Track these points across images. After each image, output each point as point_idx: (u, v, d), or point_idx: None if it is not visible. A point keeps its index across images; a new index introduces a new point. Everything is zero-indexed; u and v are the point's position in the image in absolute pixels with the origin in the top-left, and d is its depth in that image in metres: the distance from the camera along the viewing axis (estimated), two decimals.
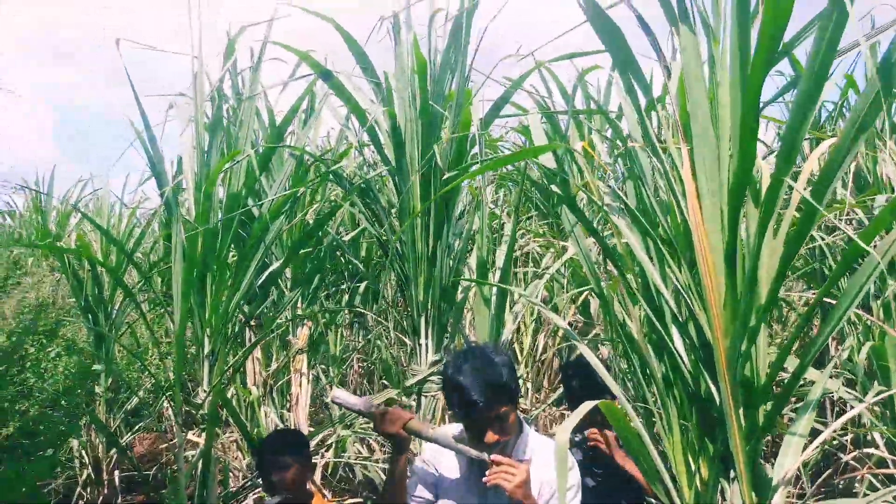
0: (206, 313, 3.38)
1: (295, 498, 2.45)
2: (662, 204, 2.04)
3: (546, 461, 2.07)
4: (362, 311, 6.59)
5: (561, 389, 4.40)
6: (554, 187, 2.45)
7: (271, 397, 5.41)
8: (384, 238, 3.50)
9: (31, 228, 10.09)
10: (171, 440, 7.39)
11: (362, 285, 6.00)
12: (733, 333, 1.83)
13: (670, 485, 2.02)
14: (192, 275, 3.14)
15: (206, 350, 3.42)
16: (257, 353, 5.56)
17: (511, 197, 5.96)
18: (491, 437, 2.00)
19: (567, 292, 4.07)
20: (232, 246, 3.51)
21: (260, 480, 2.59)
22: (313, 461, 2.85)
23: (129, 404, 6.15)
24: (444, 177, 3.09)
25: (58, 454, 5.50)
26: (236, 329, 3.74)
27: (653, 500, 2.94)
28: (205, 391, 3.39)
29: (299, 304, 5.25)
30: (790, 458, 2.01)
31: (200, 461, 3.28)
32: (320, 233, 4.36)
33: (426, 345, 3.41)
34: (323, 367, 5.73)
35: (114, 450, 5.88)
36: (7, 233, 11.07)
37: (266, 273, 3.74)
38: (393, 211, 3.48)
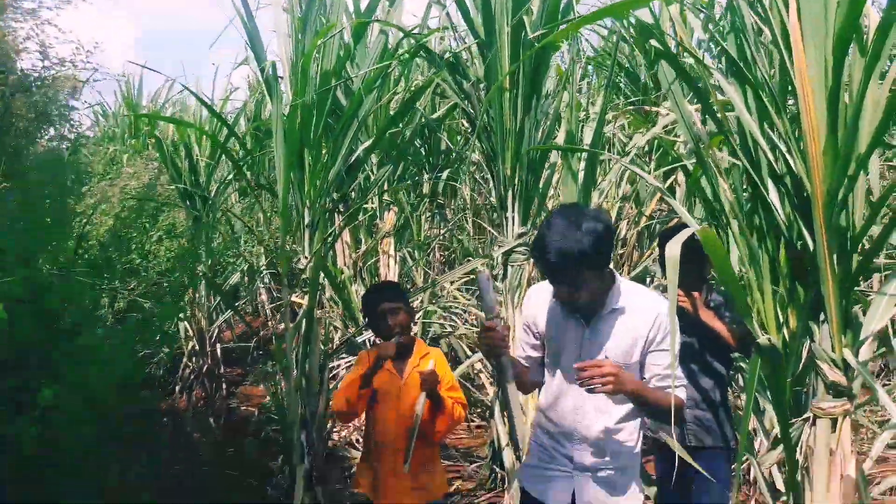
0: (306, 187, 3.57)
1: (406, 339, 2.68)
2: (763, 53, 2.04)
3: (636, 308, 2.11)
4: (442, 202, 6.77)
5: (637, 270, 4.53)
6: (653, 42, 2.46)
7: (360, 277, 5.70)
8: (472, 113, 3.57)
9: (125, 126, 10.49)
10: (266, 321, 7.91)
11: (444, 175, 6.13)
12: (831, 180, 1.86)
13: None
14: (294, 147, 3.31)
15: (307, 220, 3.63)
16: (346, 237, 5.83)
17: (596, 85, 5.89)
18: (561, 294, 2.11)
19: (654, 171, 4.08)
20: (329, 119, 3.66)
21: (369, 329, 2.80)
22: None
23: (227, 285, 6.59)
24: (534, 35, 3.11)
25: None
26: (331, 204, 3.93)
27: (736, 355, 3.08)
28: (306, 257, 3.62)
29: (386, 189, 5.44)
30: (879, 315, 2.07)
31: (304, 320, 3.55)
32: (407, 116, 4.46)
33: (512, 218, 3.52)
34: (409, 250, 5.96)
35: (216, 325, 6.36)
36: (102, 131, 11.60)
37: (359, 150, 3.88)
38: (482, 86, 3.53)
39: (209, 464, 4.72)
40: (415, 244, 6.05)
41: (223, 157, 6.09)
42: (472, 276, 5.81)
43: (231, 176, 6.43)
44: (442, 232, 6.50)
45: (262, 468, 4.35)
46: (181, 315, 6.19)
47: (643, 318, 2.08)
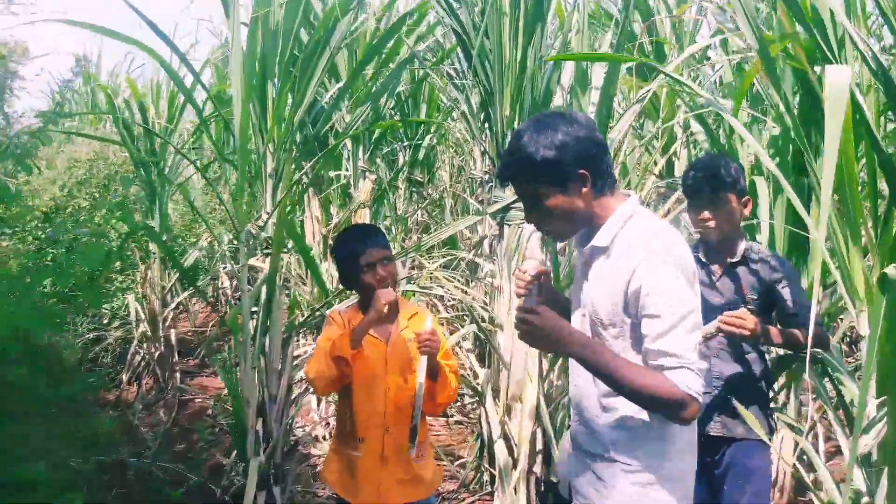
0: (268, 125, 3.01)
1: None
2: None
3: (624, 244, 1.55)
4: (420, 180, 6.24)
5: None
6: None
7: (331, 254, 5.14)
8: (468, 41, 3.04)
9: (83, 102, 9.87)
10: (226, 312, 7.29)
11: (425, 141, 5.60)
12: None
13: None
14: (253, 71, 2.75)
15: (269, 168, 3.07)
16: (316, 210, 5.27)
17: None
18: (526, 217, 1.68)
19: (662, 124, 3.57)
20: (294, 51, 3.10)
21: (345, 285, 2.23)
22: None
23: (185, 260, 5.96)
24: None
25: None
26: (300, 149, 3.38)
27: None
28: (267, 212, 3.06)
29: (361, 156, 4.89)
30: None
31: (264, 287, 2.99)
32: (389, 47, 3.88)
33: None
34: (386, 225, 5.42)
35: (170, 308, 5.74)
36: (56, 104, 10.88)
37: (333, 91, 3.33)
38: (477, 10, 3.01)
39: (154, 459, 4.13)
40: (393, 219, 5.51)
41: (182, 117, 5.50)
42: (453, 256, 5.31)
43: (192, 140, 5.83)
44: (422, 207, 5.95)
45: (212, 463, 3.78)
46: (133, 294, 5.59)
47: (627, 258, 1.51)
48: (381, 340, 2.14)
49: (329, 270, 4.93)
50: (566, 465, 1.76)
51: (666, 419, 1.50)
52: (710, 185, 2.33)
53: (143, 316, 5.56)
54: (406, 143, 5.12)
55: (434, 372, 2.07)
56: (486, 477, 3.47)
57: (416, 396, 2.02)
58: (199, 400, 5.45)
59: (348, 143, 4.71)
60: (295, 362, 3.39)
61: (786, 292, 2.29)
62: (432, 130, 5.88)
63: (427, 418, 2.15)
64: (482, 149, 5.62)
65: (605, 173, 1.58)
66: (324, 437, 4.41)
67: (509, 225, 3.00)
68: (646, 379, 1.45)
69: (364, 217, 4.88)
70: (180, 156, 5.78)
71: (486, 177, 5.57)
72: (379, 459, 2.08)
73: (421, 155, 5.26)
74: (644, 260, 1.47)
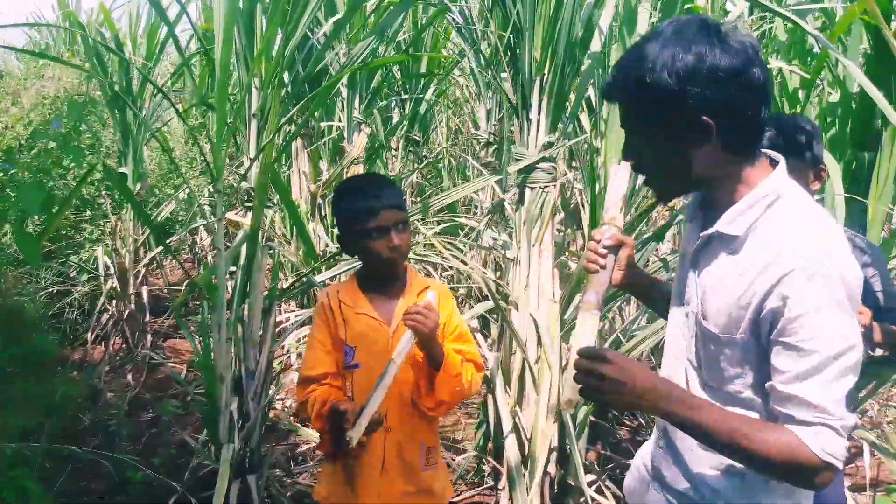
0: (255, 53, 2.57)
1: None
2: None
3: (764, 240, 1.13)
4: (417, 138, 5.79)
5: None
6: None
7: (320, 214, 4.72)
8: None
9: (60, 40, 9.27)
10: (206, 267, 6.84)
11: (423, 104, 5.13)
12: None
13: None
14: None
15: (254, 106, 2.63)
16: (304, 165, 4.83)
17: None
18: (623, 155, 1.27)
19: None
20: None
21: (350, 247, 1.79)
22: None
23: (160, 214, 5.49)
24: None
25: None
26: (288, 91, 2.94)
27: None
28: (250, 158, 2.63)
29: (356, 106, 4.44)
30: None
31: (244, 246, 2.58)
32: None
33: (538, 121, 2.58)
34: None
35: (142, 263, 5.29)
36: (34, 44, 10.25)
37: (327, 26, 2.88)
38: None
39: (117, 434, 3.73)
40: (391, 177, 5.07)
41: (162, 56, 5.00)
42: (452, 222, 4.91)
43: (172, 82, 5.33)
44: (419, 168, 5.51)
45: (180, 438, 3.39)
46: (104, 246, 5.13)
47: (768, 262, 1.10)
48: (384, 325, 1.74)
49: (317, 231, 4.52)
50: (636, 493, 1.38)
51: None
52: (785, 147, 1.92)
53: (112, 270, 5.10)
54: (405, 97, 4.66)
55: (435, 357, 1.66)
56: (486, 468, 3.10)
57: (379, 376, 1.57)
58: (172, 364, 5.05)
59: (343, 91, 4.26)
60: (278, 332, 3.00)
61: (875, 282, 1.91)
62: (434, 84, 5.43)
63: (442, 403, 1.73)
64: (487, 108, 5.23)
65: (746, 130, 1.13)
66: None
67: (532, 188, 2.58)
68: (766, 442, 1.05)
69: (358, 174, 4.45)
70: (160, 96, 5.28)
71: (492, 138, 5.17)
72: (379, 467, 1.69)
73: (422, 109, 4.79)
74: (798, 270, 1.05)
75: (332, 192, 4.77)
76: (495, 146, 4.78)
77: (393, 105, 5.38)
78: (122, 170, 5.19)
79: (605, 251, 1.35)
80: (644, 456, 1.40)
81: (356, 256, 1.79)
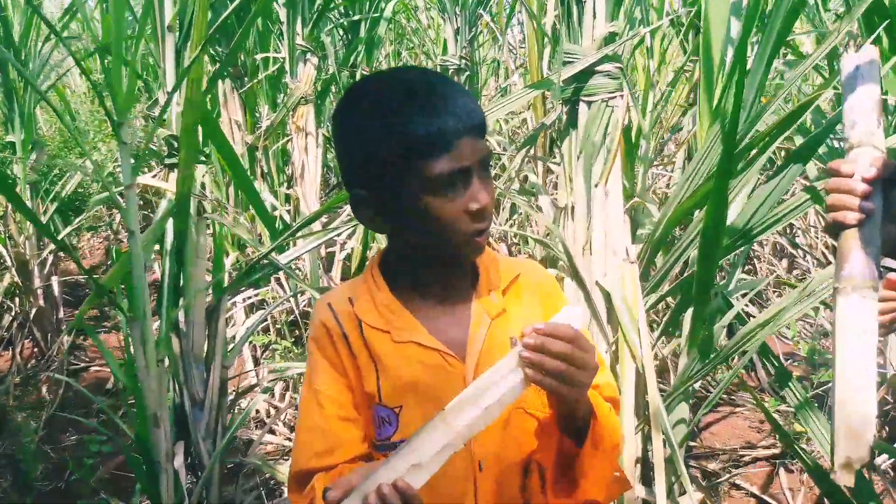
0: None
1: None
2: None
3: None
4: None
5: None
6: None
7: (262, 171, 3.86)
8: None
9: None
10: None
11: (381, 23, 4.24)
12: None
13: None
14: None
15: (169, 14, 1.76)
16: (235, 112, 3.93)
17: None
18: None
19: None
20: None
21: (380, 208, 0.91)
22: None
23: (65, 190, 4.49)
24: None
25: None
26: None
27: None
28: (167, 92, 1.76)
29: (299, 30, 3.55)
30: None
31: (170, 221, 1.74)
32: None
33: (592, 10, 1.79)
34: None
35: (48, 250, 4.32)
36: None
37: None
38: None
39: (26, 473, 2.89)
40: None
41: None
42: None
43: (63, 22, 4.26)
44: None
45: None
46: None
47: None
48: (451, 357, 0.93)
49: (262, 194, 3.65)
50: None
51: None
52: None
53: (8, 262, 4.13)
54: (359, 17, 3.77)
55: (574, 418, 0.88)
56: None
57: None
58: (95, 369, 4.16)
59: (281, 11, 3.36)
60: (230, 336, 2.19)
61: None
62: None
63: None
64: (455, 27, 4.41)
65: None
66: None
67: (588, 102, 1.80)
68: None
69: (306, 118, 3.59)
70: (50, 44, 4.25)
71: (463, 63, 4.37)
72: None
73: (382, 30, 3.89)
74: None
75: (275, 141, 3.90)
76: (468, 72, 3.98)
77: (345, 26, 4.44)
78: (8, 138, 4.20)
79: (865, 189, 0.79)
80: None
81: (392, 231, 0.96)
